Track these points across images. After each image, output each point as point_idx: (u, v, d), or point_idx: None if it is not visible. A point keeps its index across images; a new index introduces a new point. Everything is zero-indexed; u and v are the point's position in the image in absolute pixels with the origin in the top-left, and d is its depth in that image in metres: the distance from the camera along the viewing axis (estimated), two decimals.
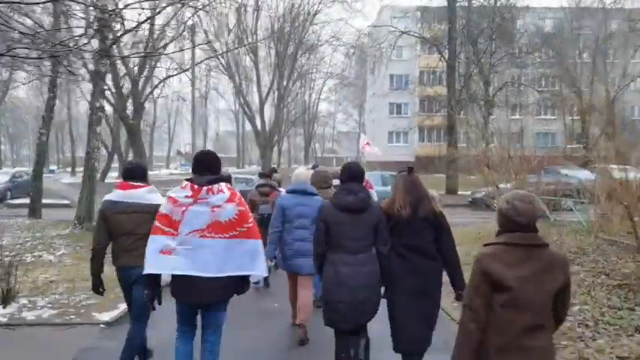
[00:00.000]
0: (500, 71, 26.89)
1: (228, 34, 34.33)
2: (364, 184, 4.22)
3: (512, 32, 25.67)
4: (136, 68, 24.09)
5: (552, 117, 45.00)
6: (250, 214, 3.60)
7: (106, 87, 13.99)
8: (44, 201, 20.70)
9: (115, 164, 40.11)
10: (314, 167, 9.92)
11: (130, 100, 24.03)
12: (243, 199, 3.59)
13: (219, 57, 35.41)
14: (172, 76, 25.32)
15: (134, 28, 12.08)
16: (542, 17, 36.90)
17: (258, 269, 3.56)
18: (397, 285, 3.81)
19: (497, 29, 24.16)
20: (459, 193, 23.56)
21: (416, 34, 26.93)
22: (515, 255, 2.50)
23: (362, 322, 3.93)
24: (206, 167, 3.59)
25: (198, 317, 3.78)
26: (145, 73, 23.46)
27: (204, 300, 3.55)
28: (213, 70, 46.00)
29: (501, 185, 21.71)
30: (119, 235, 3.98)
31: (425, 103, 45.05)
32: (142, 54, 16.65)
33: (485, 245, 2.65)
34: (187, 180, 3.53)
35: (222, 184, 3.50)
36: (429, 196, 3.86)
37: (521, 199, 2.58)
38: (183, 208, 3.41)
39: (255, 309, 6.46)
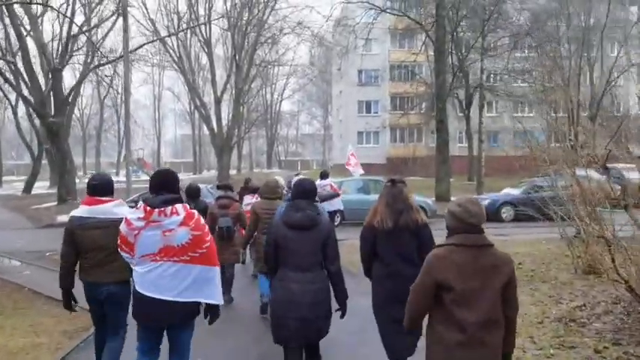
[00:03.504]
0: (495, 56, 23.70)
1: (179, 20, 30.24)
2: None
3: (506, 13, 22.52)
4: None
5: (530, 114, 42.72)
6: (208, 237, 3.44)
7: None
8: None
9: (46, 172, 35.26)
10: (297, 175, 9.45)
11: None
12: (200, 222, 3.42)
13: (171, 51, 31.43)
14: (102, 65, 21.11)
15: None
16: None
17: (212, 297, 3.45)
18: (378, 289, 3.97)
19: (495, 9, 20.87)
20: (453, 199, 20.13)
21: (398, 12, 23.33)
22: (463, 255, 2.64)
23: (312, 341, 3.87)
24: (162, 186, 3.46)
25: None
26: (66, 61, 19.12)
27: (162, 321, 3.46)
28: (167, 68, 41.94)
29: (505, 190, 18.59)
30: (88, 250, 3.92)
31: (397, 101, 42.00)
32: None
33: (437, 246, 2.82)
34: (143, 200, 3.43)
35: (178, 206, 3.38)
36: (414, 207, 3.94)
37: (472, 202, 2.75)
38: (136, 232, 3.33)
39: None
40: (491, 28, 22.26)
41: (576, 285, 6.87)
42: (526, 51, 31.38)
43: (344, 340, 5.03)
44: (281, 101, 60.26)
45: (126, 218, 3.41)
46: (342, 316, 3.88)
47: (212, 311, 3.57)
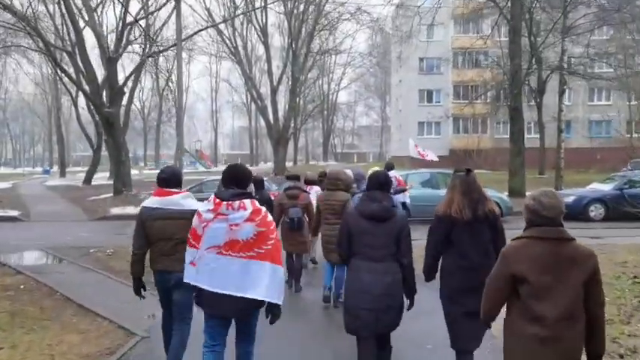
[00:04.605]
0: (577, 36, 21.43)
1: (235, 9, 29.62)
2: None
3: None
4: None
5: (607, 103, 39.46)
6: (273, 235, 3.46)
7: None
8: None
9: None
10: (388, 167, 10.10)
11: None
12: (266, 218, 3.44)
13: (228, 41, 30.99)
14: (156, 53, 20.63)
15: None
16: None
17: (271, 295, 3.41)
18: (450, 281, 3.82)
19: None
20: (528, 194, 18.28)
21: None
22: (538, 248, 2.60)
23: (384, 331, 3.86)
24: (233, 181, 3.56)
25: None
26: (121, 51, 18.71)
27: (224, 312, 3.52)
28: (224, 58, 41.75)
29: (592, 186, 16.66)
30: (157, 240, 4.05)
31: (460, 89, 39.88)
32: None
33: (513, 239, 2.74)
34: (215, 193, 3.53)
35: (247, 201, 3.43)
36: (487, 196, 3.87)
37: (547, 195, 2.68)
38: (204, 224, 3.43)
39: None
40: (571, 5, 19.98)
41: None
42: (605, 30, 28.52)
43: (412, 332, 4.86)
44: (338, 91, 59.24)
45: (198, 211, 3.50)
46: (408, 308, 3.90)
47: (273, 311, 3.51)
